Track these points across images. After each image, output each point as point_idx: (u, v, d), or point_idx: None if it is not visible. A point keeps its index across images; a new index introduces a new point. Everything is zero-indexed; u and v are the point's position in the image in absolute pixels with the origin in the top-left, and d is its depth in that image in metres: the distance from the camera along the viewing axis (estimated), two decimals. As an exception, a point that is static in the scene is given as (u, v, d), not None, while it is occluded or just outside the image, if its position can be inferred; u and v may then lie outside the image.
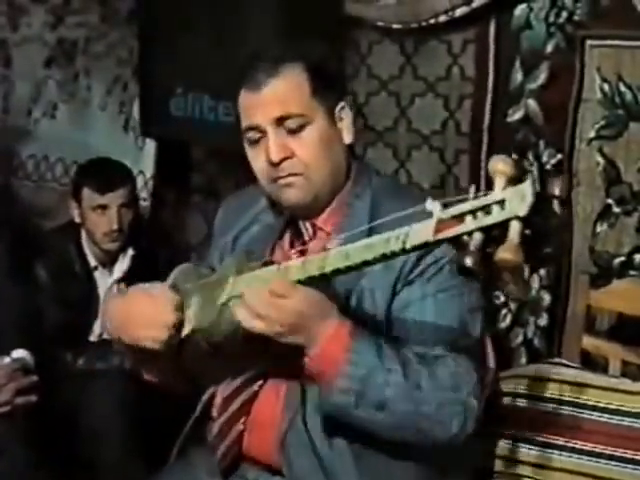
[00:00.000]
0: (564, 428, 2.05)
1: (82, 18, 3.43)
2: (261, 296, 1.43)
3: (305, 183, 1.63)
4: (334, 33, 2.73)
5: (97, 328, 2.89)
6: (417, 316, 1.57)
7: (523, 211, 1.15)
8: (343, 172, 1.69)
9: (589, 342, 2.30)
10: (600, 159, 2.43)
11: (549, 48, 2.50)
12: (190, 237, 3.55)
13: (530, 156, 2.57)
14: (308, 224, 1.70)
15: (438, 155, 2.81)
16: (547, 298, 2.60)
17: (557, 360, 2.28)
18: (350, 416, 1.51)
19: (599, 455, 2.00)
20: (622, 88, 2.36)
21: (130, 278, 2.88)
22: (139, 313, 1.62)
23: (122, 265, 2.91)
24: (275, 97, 1.61)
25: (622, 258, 2.42)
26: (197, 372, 1.76)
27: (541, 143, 2.55)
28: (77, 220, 2.88)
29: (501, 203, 1.18)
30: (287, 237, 1.74)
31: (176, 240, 3.48)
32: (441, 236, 1.23)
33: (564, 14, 2.46)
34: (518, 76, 2.57)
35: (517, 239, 1.16)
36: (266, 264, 1.56)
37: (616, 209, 2.43)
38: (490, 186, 1.23)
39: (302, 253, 1.67)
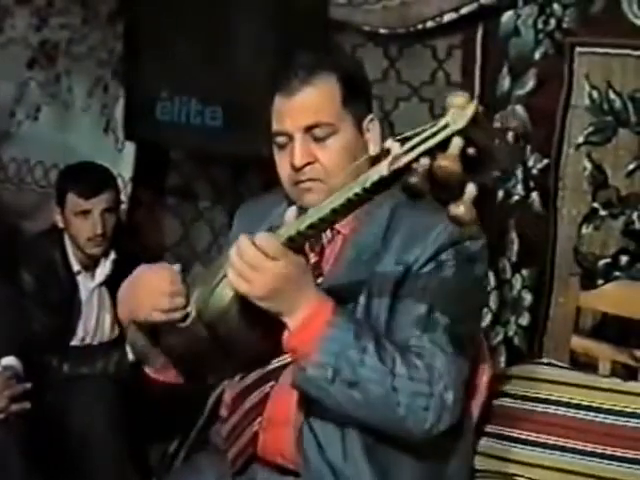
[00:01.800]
0: (554, 427, 2.08)
1: (65, 20, 3.41)
2: (249, 257, 1.44)
3: (324, 189, 1.64)
4: (322, 37, 2.74)
5: (80, 332, 2.89)
6: (415, 304, 1.59)
7: (462, 123, 1.21)
8: None
9: (578, 343, 2.34)
10: (588, 164, 2.48)
11: (537, 55, 2.54)
12: (165, 239, 3.55)
13: (516, 160, 2.62)
14: None
15: (422, 159, 2.85)
16: (528, 298, 2.65)
17: (546, 360, 2.31)
18: (324, 391, 1.51)
19: (591, 454, 2.03)
20: (611, 95, 2.41)
21: (112, 282, 2.90)
22: (143, 285, 1.64)
23: (104, 269, 2.90)
24: (307, 105, 1.64)
25: (607, 260, 2.47)
26: (201, 363, 1.74)
27: (527, 148, 2.58)
28: (60, 225, 2.86)
29: (446, 126, 1.24)
30: None
31: (153, 243, 3.48)
32: (393, 167, 1.28)
33: (552, 21, 2.50)
34: (506, 82, 2.60)
35: (456, 151, 1.22)
36: None
37: (602, 212, 2.48)
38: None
39: (321, 255, 1.72)
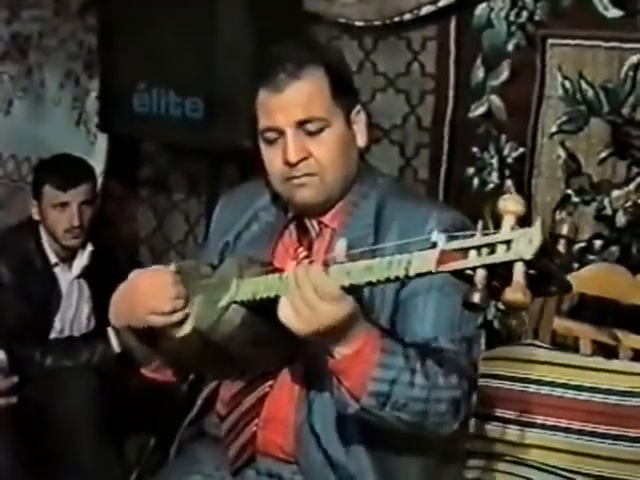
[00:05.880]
0: (540, 406, 2.16)
1: (37, 12, 3.39)
2: (307, 297, 1.40)
3: (319, 184, 1.66)
4: (298, 29, 2.75)
5: (58, 324, 2.88)
6: (421, 305, 1.60)
7: (529, 255, 1.14)
8: (354, 173, 1.72)
9: (559, 323, 2.39)
10: (562, 152, 2.54)
11: (510, 46, 2.59)
12: (139, 231, 3.56)
13: (491, 150, 2.68)
14: (314, 221, 1.73)
15: (398, 149, 2.89)
16: (508, 281, 2.71)
17: (529, 341, 2.37)
18: (374, 416, 1.50)
19: (576, 431, 2.12)
20: (583, 85, 2.46)
21: (89, 274, 2.91)
22: (141, 289, 1.63)
23: (81, 261, 2.90)
24: (298, 100, 1.62)
25: (582, 244, 2.52)
26: (198, 367, 1.78)
27: (502, 137, 2.65)
28: (36, 217, 2.85)
29: (507, 243, 1.17)
30: (292, 235, 1.76)
31: (126, 234, 3.48)
32: (443, 268, 1.24)
33: (524, 14, 2.55)
34: (480, 73, 2.65)
35: (522, 280, 1.15)
36: (268, 272, 1.56)
37: (575, 199, 2.54)
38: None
39: (309, 249, 1.71)
